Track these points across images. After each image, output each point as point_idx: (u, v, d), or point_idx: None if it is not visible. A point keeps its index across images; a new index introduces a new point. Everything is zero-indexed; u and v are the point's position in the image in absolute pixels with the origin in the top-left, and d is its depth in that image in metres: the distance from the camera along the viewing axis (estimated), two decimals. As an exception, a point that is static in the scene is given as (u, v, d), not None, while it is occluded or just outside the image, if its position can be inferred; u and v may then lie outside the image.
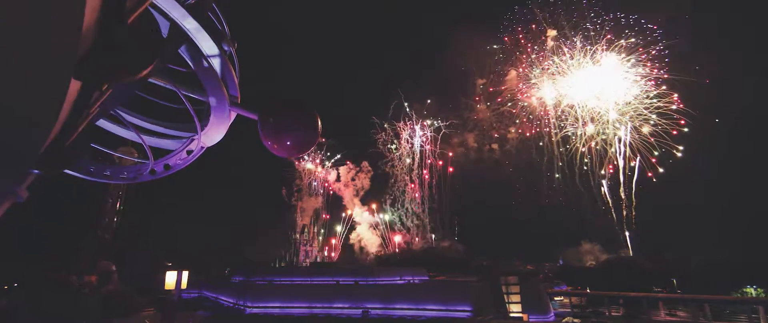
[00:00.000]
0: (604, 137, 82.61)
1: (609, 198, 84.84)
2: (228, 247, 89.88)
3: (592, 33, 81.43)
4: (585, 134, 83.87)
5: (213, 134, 8.20)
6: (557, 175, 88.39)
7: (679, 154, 78.25)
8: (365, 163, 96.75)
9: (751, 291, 62.42)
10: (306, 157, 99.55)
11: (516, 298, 39.34)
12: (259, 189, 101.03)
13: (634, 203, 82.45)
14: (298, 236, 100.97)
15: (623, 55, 79.42)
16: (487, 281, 39.44)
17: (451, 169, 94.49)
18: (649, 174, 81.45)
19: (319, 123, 7.78)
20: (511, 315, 38.19)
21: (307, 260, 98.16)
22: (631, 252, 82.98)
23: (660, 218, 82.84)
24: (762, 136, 79.07)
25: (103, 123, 8.62)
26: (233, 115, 8.12)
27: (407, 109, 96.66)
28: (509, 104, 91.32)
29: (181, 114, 9.42)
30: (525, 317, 37.86)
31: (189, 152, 8.37)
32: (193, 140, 8.43)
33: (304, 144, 7.66)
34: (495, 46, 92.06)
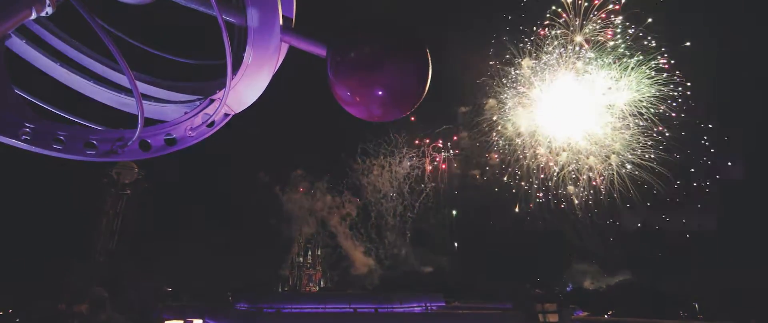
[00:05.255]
0: (577, 167, 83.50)
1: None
2: (229, 269, 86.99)
3: (562, 62, 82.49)
4: (557, 162, 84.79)
5: (246, 88, 4.96)
6: (535, 197, 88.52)
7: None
8: (347, 193, 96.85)
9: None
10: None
11: (554, 328, 35.73)
12: (257, 208, 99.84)
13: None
14: (301, 259, 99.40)
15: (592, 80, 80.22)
16: (523, 309, 35.80)
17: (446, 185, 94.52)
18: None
19: (430, 63, 4.61)
20: (550, 346, 34.53)
21: (311, 284, 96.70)
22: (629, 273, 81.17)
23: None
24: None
25: (63, 76, 5.44)
26: (283, 52, 4.93)
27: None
28: (487, 131, 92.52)
29: (180, 69, 6.24)
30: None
31: (205, 121, 5.11)
32: (212, 101, 5.17)
33: (406, 95, 4.42)
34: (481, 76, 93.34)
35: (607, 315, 63.41)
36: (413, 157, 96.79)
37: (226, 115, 5.34)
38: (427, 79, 4.47)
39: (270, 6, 4.14)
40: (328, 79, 4.57)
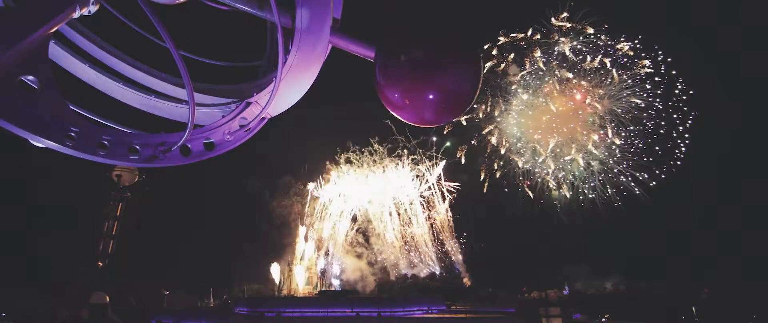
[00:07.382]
0: (562, 172, 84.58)
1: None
2: (228, 273, 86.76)
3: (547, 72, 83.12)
4: (543, 168, 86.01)
5: (286, 92, 4.78)
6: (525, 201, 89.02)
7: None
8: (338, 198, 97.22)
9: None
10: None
11: (558, 331, 35.60)
12: (255, 212, 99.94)
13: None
14: (298, 263, 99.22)
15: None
16: (526, 314, 35.66)
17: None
18: None
19: (482, 65, 4.46)
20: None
21: (309, 287, 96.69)
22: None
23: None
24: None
25: (97, 80, 5.23)
26: (326, 53, 4.75)
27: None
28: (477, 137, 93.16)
29: (204, 70, 6.02)
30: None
31: (242, 125, 4.93)
32: (249, 104, 5.00)
33: (459, 99, 4.27)
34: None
35: (605, 318, 63.45)
36: (397, 165, 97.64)
37: (263, 118, 5.17)
38: (480, 81, 4.32)
39: (322, 7, 3.97)
40: (375, 82, 4.41)
